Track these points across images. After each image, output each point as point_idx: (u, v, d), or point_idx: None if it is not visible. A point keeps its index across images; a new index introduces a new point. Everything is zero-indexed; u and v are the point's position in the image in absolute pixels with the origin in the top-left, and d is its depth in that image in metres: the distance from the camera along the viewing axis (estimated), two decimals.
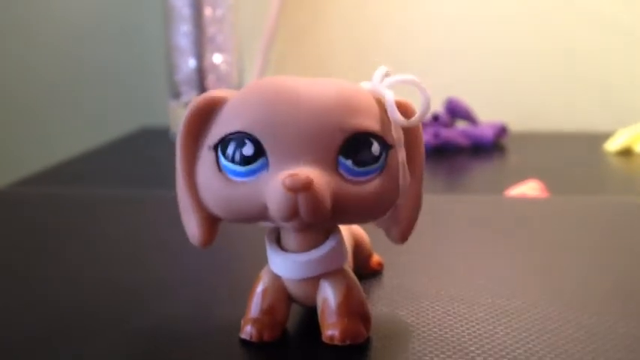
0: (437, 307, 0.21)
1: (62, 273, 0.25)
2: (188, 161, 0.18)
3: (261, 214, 0.16)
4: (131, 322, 0.20)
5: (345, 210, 0.16)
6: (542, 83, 0.65)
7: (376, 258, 0.24)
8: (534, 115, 0.66)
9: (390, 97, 0.17)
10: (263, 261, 0.19)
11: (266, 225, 0.18)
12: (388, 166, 0.17)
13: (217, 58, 0.57)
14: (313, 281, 0.18)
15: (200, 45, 0.56)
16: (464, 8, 0.65)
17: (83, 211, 0.35)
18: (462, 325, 0.20)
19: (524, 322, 0.20)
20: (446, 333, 0.19)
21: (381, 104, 0.17)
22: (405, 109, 0.17)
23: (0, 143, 0.72)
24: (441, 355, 0.18)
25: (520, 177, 0.42)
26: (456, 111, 0.57)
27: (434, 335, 0.19)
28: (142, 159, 0.52)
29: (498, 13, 0.65)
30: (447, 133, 0.54)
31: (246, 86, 0.18)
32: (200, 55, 0.56)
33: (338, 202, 0.16)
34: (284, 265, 0.18)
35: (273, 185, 0.16)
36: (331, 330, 0.18)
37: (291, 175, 0.15)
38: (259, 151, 0.16)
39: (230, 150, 0.17)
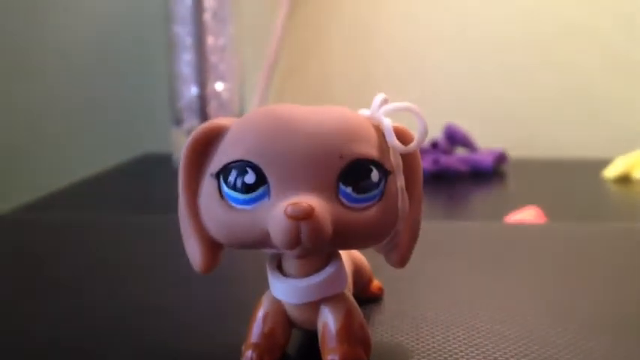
0: (436, 333, 0.21)
1: (62, 297, 0.25)
2: (190, 188, 0.18)
3: (262, 241, 0.17)
4: (131, 347, 0.20)
5: (345, 236, 0.17)
6: (542, 110, 0.66)
7: (376, 283, 0.24)
8: (533, 141, 0.66)
9: (387, 124, 0.17)
10: (264, 286, 0.19)
11: (268, 252, 0.18)
12: (387, 192, 0.17)
13: (219, 86, 0.57)
14: (314, 306, 0.18)
15: (202, 73, 0.56)
16: (464, 34, 0.66)
17: (85, 235, 0.36)
18: (461, 351, 0.20)
19: (522, 347, 0.20)
20: (445, 359, 0.19)
21: (379, 131, 0.18)
22: (403, 136, 0.18)
23: (3, 169, 0.72)
24: None
25: (519, 203, 0.42)
26: (454, 137, 0.58)
27: None
28: (144, 185, 0.52)
29: (499, 39, 0.66)
30: (446, 160, 0.55)
31: (248, 114, 0.18)
32: (202, 83, 0.57)
33: (338, 228, 0.16)
34: (285, 290, 0.18)
35: (276, 213, 0.16)
36: (331, 355, 0.18)
37: (293, 204, 0.16)
38: (261, 179, 0.17)
39: (232, 178, 0.17)
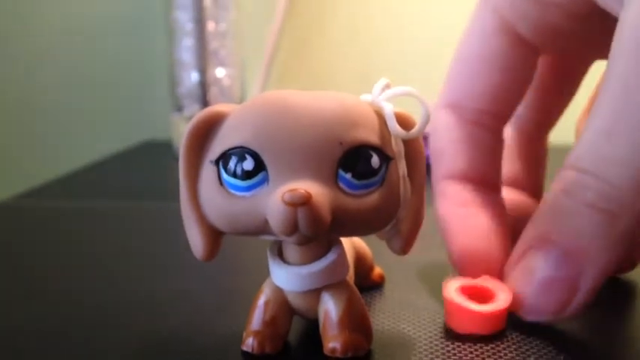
0: (438, 320, 0.21)
1: (63, 284, 0.25)
2: (190, 176, 0.18)
3: (262, 228, 0.17)
4: (131, 335, 0.20)
5: (345, 223, 0.16)
6: None
7: (378, 270, 0.24)
8: None
9: (389, 110, 0.17)
10: (265, 273, 0.19)
11: (268, 238, 0.18)
12: (388, 179, 0.17)
13: (220, 72, 0.57)
14: (315, 294, 0.18)
15: (203, 59, 0.56)
16: (465, 23, 0.65)
17: (85, 223, 0.36)
18: (464, 338, 0.20)
19: (526, 334, 0.20)
20: (447, 346, 0.19)
21: (380, 117, 0.17)
22: (405, 121, 0.17)
23: (2, 155, 0.72)
24: None
25: None
26: None
27: (435, 348, 0.19)
28: (145, 172, 0.52)
29: None
30: None
31: (247, 101, 0.18)
32: (203, 69, 0.56)
33: (338, 215, 0.16)
34: (286, 278, 0.18)
35: (273, 200, 0.16)
36: (333, 342, 0.18)
37: (291, 190, 0.16)
38: (259, 166, 0.16)
39: (231, 164, 0.17)
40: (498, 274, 0.21)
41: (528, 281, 0.19)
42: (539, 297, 0.19)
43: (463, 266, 0.22)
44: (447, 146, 0.23)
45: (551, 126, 0.26)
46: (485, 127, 0.23)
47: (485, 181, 0.23)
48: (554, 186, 0.19)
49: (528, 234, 0.19)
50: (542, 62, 0.23)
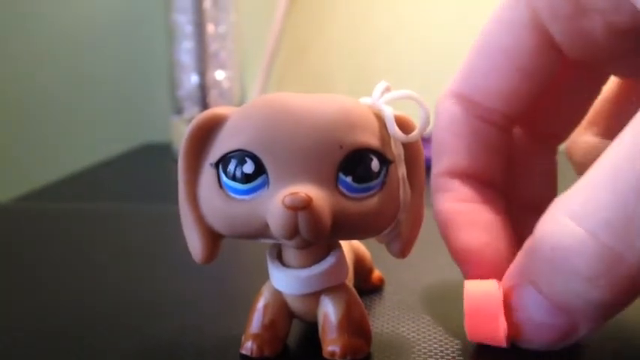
0: (438, 323, 0.21)
1: (62, 286, 0.25)
2: (190, 178, 0.18)
3: (262, 232, 0.17)
4: (129, 337, 0.20)
5: (345, 227, 0.16)
6: None
7: (377, 274, 0.24)
8: None
9: (389, 113, 0.17)
10: (264, 276, 0.19)
11: (267, 242, 0.18)
12: (388, 182, 0.17)
13: (220, 75, 0.57)
14: (314, 297, 0.18)
15: (202, 61, 0.56)
16: (466, 24, 0.65)
17: (84, 225, 0.36)
18: (463, 342, 0.20)
19: None
20: (447, 349, 0.19)
21: (380, 120, 0.17)
22: (404, 124, 0.17)
23: (2, 158, 0.72)
24: None
25: None
26: None
27: (435, 351, 0.19)
28: (144, 174, 0.52)
29: None
30: None
31: (247, 104, 0.18)
32: (202, 72, 0.56)
33: (338, 218, 0.16)
34: (285, 281, 0.18)
35: (274, 204, 0.16)
36: (332, 346, 0.18)
37: (291, 194, 0.15)
38: (259, 169, 0.16)
39: (231, 168, 0.17)
40: (503, 272, 0.19)
41: (523, 317, 0.18)
42: (533, 334, 0.18)
43: (467, 264, 0.20)
44: (451, 139, 0.21)
45: (557, 137, 0.24)
46: (493, 124, 0.21)
47: (488, 179, 0.21)
48: (544, 228, 0.17)
49: (521, 264, 0.18)
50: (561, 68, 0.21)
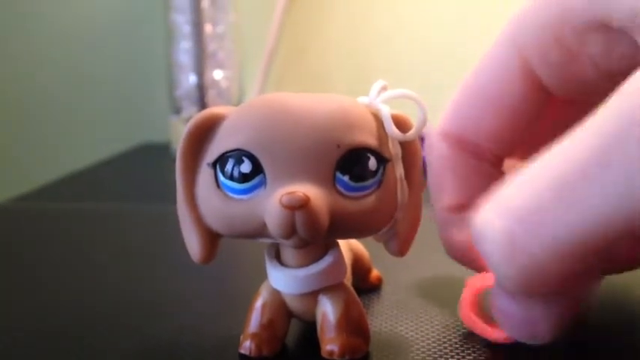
0: (436, 322, 0.21)
1: (61, 286, 0.25)
2: (188, 178, 0.18)
3: (260, 231, 0.17)
4: (129, 336, 0.20)
5: (342, 225, 0.16)
6: None
7: (375, 273, 0.24)
8: None
9: (386, 112, 0.17)
10: (262, 276, 0.19)
11: (265, 241, 0.18)
12: (385, 181, 0.17)
13: (218, 74, 0.57)
14: (312, 296, 0.18)
15: (201, 61, 0.56)
16: (463, 24, 0.65)
17: (82, 225, 0.36)
18: (461, 340, 0.20)
19: None
20: (445, 348, 0.19)
21: (377, 119, 0.17)
22: (402, 123, 0.17)
23: (0, 157, 0.72)
24: None
25: None
26: None
27: (433, 350, 0.19)
28: (142, 174, 0.52)
29: (497, 29, 0.65)
30: None
31: (244, 103, 0.18)
32: (201, 71, 0.56)
33: (335, 218, 0.16)
34: (283, 280, 0.18)
35: (271, 203, 0.16)
36: (330, 345, 0.18)
37: (289, 193, 0.15)
38: (257, 169, 0.16)
39: (228, 167, 0.17)
40: None
41: (495, 307, 0.18)
42: (505, 324, 0.18)
43: (464, 255, 0.21)
44: (447, 176, 0.22)
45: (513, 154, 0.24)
46: (485, 160, 0.22)
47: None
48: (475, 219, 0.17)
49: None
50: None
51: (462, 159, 0.22)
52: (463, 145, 0.22)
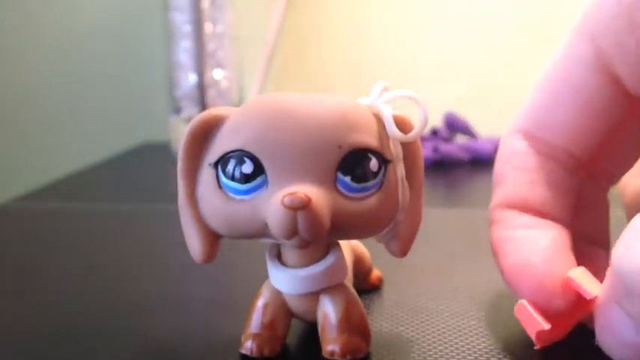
0: (437, 322, 0.21)
1: (62, 285, 0.25)
2: (189, 179, 0.18)
3: (261, 231, 0.17)
4: (129, 337, 0.20)
5: (344, 226, 0.16)
6: None
7: (376, 273, 0.24)
8: None
9: (387, 112, 0.17)
10: (263, 276, 0.19)
11: (267, 241, 0.18)
12: (387, 182, 0.17)
13: (218, 74, 0.57)
14: (314, 296, 0.18)
15: (200, 61, 0.56)
16: (462, 23, 0.65)
17: (82, 225, 0.36)
18: (462, 340, 0.20)
19: (525, 335, 0.20)
20: (446, 348, 0.19)
21: (379, 119, 0.17)
22: (403, 124, 0.17)
23: (0, 158, 0.72)
24: None
25: None
26: (455, 125, 0.58)
27: (434, 350, 0.19)
28: (142, 174, 0.52)
29: (498, 27, 0.65)
30: (446, 148, 0.54)
31: (245, 104, 0.18)
32: (200, 71, 0.56)
33: (337, 218, 0.16)
34: (284, 281, 0.18)
35: (273, 204, 0.16)
36: (332, 345, 0.18)
37: (290, 194, 0.16)
38: (258, 169, 0.16)
39: (230, 168, 0.17)
40: (556, 289, 0.18)
41: (608, 333, 0.17)
42: (616, 351, 0.16)
43: (515, 281, 0.19)
44: (509, 172, 0.20)
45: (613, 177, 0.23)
46: (558, 161, 0.20)
47: (547, 212, 0.20)
48: (618, 253, 0.16)
49: (607, 285, 0.16)
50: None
51: (531, 156, 0.20)
52: (537, 143, 0.21)
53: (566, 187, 0.21)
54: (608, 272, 0.17)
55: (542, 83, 0.21)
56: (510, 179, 0.20)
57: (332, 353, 0.18)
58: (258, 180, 0.16)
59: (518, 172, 0.20)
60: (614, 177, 0.22)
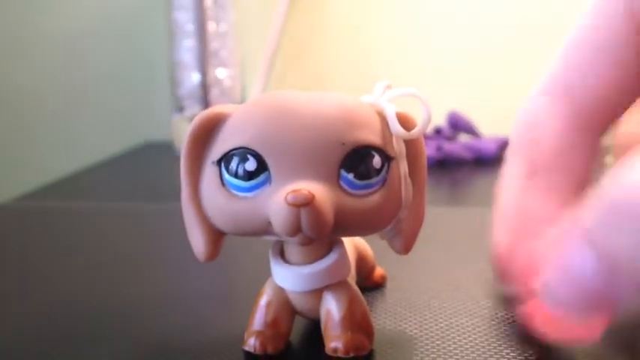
0: (440, 320, 0.21)
1: (65, 285, 0.25)
2: (192, 176, 0.18)
3: (264, 228, 0.17)
4: (133, 335, 0.20)
5: (347, 223, 0.17)
6: None
7: (379, 271, 0.24)
8: None
9: (390, 110, 0.17)
10: (266, 274, 0.19)
11: (270, 239, 0.18)
12: (390, 179, 0.17)
13: (221, 73, 0.57)
14: (317, 294, 0.18)
15: (203, 60, 0.56)
16: (465, 22, 0.65)
17: (86, 224, 0.36)
18: (465, 338, 0.20)
19: (527, 334, 0.20)
20: (449, 345, 0.19)
21: (382, 117, 0.18)
22: (406, 122, 0.17)
23: (2, 158, 0.72)
24: None
25: None
26: (458, 124, 0.58)
27: (437, 347, 0.19)
28: (145, 173, 0.52)
29: (501, 26, 0.65)
30: (449, 147, 0.54)
31: (249, 101, 0.18)
32: (203, 70, 0.56)
33: (340, 215, 0.16)
34: (287, 278, 0.18)
35: (276, 201, 0.16)
36: (335, 342, 0.18)
37: (294, 191, 0.16)
38: (262, 166, 0.16)
39: (233, 165, 0.17)
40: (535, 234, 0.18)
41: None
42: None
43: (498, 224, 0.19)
44: (536, 130, 0.20)
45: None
46: (588, 127, 0.20)
47: (571, 177, 0.19)
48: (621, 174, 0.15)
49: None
50: None
51: (558, 115, 0.20)
52: (566, 102, 0.20)
53: (593, 154, 0.20)
54: (580, 213, 0.16)
55: (570, 40, 0.20)
56: (542, 146, 0.20)
57: (335, 350, 0.18)
58: (262, 177, 0.16)
59: (542, 131, 0.20)
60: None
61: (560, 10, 0.65)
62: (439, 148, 0.54)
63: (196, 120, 0.18)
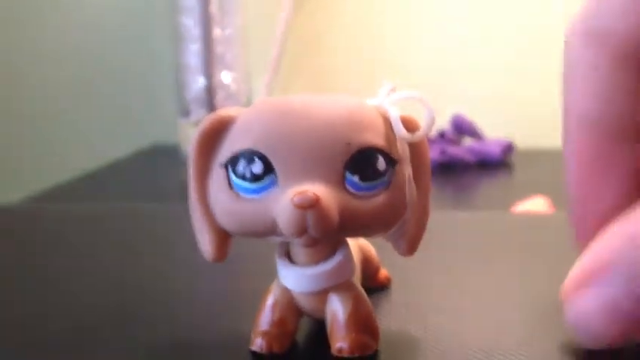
0: (444, 322, 0.21)
1: (71, 285, 0.25)
2: (200, 179, 0.18)
3: (271, 230, 0.17)
4: (140, 334, 0.21)
5: (352, 224, 0.17)
6: (549, 100, 0.66)
7: (384, 272, 0.24)
8: (541, 131, 0.66)
9: (394, 113, 0.18)
10: (272, 274, 0.19)
11: (276, 240, 0.18)
12: (394, 181, 0.17)
13: (226, 77, 0.57)
14: (322, 294, 0.19)
15: (209, 64, 0.57)
16: (470, 25, 0.66)
17: (93, 225, 0.36)
18: (470, 340, 0.20)
19: (532, 334, 0.20)
20: (453, 347, 0.19)
21: (386, 120, 0.18)
22: (410, 125, 0.18)
23: (11, 160, 0.73)
24: None
25: (526, 193, 0.42)
26: (462, 128, 0.58)
27: (441, 349, 0.19)
28: (152, 176, 0.53)
29: (505, 30, 0.65)
30: (453, 150, 0.55)
31: (254, 105, 0.18)
32: (209, 74, 0.57)
33: (345, 216, 0.16)
34: (293, 279, 0.18)
35: (282, 202, 0.16)
36: (340, 343, 0.18)
37: (300, 193, 0.16)
38: (268, 168, 0.17)
39: (240, 167, 0.17)
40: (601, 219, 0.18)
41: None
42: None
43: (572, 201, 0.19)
44: (582, 83, 0.19)
45: None
46: (630, 66, 0.18)
47: (622, 128, 0.18)
48: None
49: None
50: None
51: (602, 63, 0.18)
52: (605, 44, 0.18)
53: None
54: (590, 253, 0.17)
55: None
56: (587, 94, 0.19)
57: (340, 350, 0.18)
58: (268, 179, 0.17)
59: (592, 87, 0.19)
60: None
61: (567, 15, 0.65)
62: (443, 152, 0.54)
63: (203, 123, 0.18)
